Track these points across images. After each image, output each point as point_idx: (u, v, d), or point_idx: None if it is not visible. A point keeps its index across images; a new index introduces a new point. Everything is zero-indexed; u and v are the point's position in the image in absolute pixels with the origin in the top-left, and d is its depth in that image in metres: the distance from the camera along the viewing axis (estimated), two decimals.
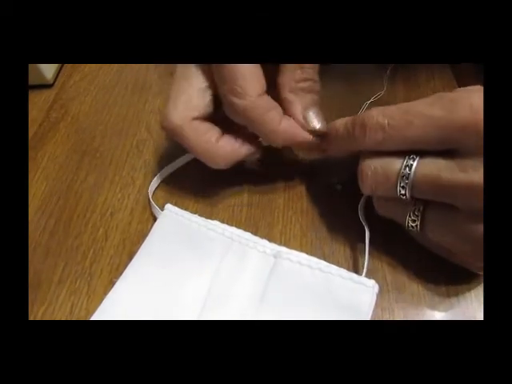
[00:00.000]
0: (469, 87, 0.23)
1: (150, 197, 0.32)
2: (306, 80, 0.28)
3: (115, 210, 0.33)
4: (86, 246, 0.31)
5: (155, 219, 0.31)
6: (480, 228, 0.22)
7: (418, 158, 0.24)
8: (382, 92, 0.37)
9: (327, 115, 0.29)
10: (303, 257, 0.26)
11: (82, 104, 0.41)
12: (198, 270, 0.27)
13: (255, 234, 0.29)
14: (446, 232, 0.24)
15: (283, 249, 0.27)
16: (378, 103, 0.37)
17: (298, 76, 0.28)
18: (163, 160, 0.35)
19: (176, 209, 0.30)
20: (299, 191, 0.32)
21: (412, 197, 0.24)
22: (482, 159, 0.21)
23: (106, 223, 0.32)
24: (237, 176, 0.33)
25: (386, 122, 0.24)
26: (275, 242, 0.29)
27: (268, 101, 0.27)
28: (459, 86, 0.38)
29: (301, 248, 0.29)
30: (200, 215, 0.30)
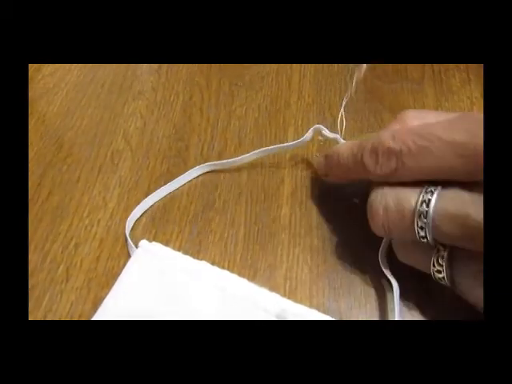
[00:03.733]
0: None
1: (128, 234, 0.26)
2: None
3: (81, 240, 0.26)
4: (42, 289, 0.24)
5: (129, 254, 0.25)
6: None
7: (437, 191, 0.19)
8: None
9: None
10: (315, 318, 0.20)
11: (50, 104, 0.34)
12: None
13: (253, 279, 0.24)
14: (475, 285, 0.19)
15: (289, 305, 0.22)
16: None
17: None
18: (143, 177, 0.29)
19: (153, 246, 0.24)
20: (308, 222, 0.26)
21: (435, 240, 0.19)
22: None
23: (68, 258, 0.26)
24: (231, 201, 0.27)
25: (399, 147, 0.20)
26: (278, 292, 0.23)
27: None
28: None
29: (310, 300, 0.23)
30: (185, 252, 0.24)
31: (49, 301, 0.24)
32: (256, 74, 0.34)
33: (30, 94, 0.35)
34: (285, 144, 0.28)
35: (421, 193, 0.19)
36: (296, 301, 0.22)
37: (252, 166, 0.29)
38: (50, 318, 0.23)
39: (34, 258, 0.26)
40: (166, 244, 0.25)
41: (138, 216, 0.27)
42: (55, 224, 0.27)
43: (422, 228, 0.19)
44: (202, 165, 0.29)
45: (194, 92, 0.34)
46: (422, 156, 0.19)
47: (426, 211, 0.19)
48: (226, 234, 0.26)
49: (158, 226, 0.27)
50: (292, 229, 0.26)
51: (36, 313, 0.24)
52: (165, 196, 0.28)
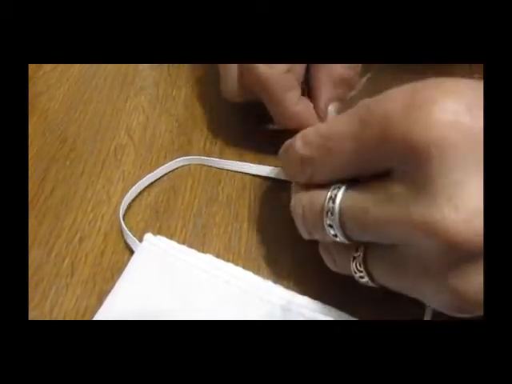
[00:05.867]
0: (407, 85, 0.18)
1: (122, 220, 0.26)
2: (342, 78, 0.26)
3: (85, 234, 0.26)
4: (47, 283, 0.25)
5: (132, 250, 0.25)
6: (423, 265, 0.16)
7: (344, 187, 0.18)
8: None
9: None
10: (320, 309, 0.21)
11: (52, 100, 0.34)
12: None
13: (257, 272, 0.24)
14: (390, 277, 0.19)
15: (293, 296, 0.22)
16: None
17: (334, 71, 0.26)
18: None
19: (158, 240, 0.24)
20: None
21: (349, 238, 0.19)
22: (413, 185, 0.16)
23: (73, 252, 0.26)
24: (234, 195, 0.28)
25: (309, 153, 0.20)
26: (282, 285, 0.23)
27: (290, 80, 0.25)
28: None
29: (316, 293, 0.23)
30: (189, 245, 0.25)
31: (54, 295, 0.24)
32: None
33: (31, 89, 0.35)
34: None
35: (329, 190, 0.19)
36: (300, 293, 0.22)
37: (255, 159, 0.29)
38: (56, 311, 0.24)
39: (39, 252, 0.26)
40: (171, 238, 0.25)
41: (133, 198, 0.28)
42: (59, 219, 0.27)
43: (330, 226, 0.18)
44: (186, 157, 0.29)
45: (195, 86, 0.34)
46: (328, 158, 0.19)
47: (333, 207, 0.18)
48: (229, 228, 0.26)
49: (161, 220, 0.27)
50: None
51: (42, 306, 0.24)
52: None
